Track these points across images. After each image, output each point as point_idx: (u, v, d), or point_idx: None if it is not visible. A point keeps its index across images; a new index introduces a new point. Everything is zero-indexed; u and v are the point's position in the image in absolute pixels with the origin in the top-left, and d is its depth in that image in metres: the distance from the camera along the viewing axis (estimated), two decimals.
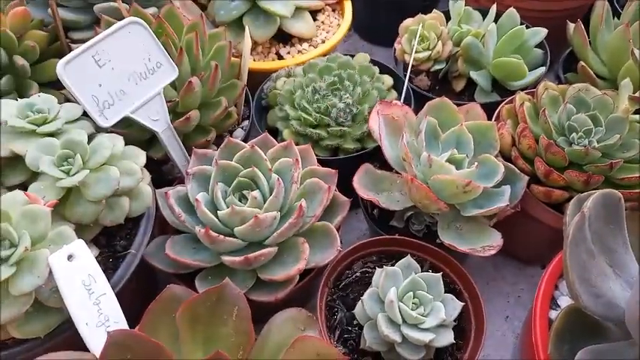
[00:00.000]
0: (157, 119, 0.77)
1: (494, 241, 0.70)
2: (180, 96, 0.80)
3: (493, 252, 0.68)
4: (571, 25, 0.94)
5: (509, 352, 0.85)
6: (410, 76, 1.03)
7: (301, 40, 1.07)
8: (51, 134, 0.70)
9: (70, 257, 0.60)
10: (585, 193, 0.63)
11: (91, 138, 0.71)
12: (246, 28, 0.87)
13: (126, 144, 0.74)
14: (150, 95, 0.76)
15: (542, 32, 0.97)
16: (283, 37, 1.07)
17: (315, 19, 1.11)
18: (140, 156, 0.73)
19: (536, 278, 0.93)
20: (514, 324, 0.87)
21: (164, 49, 0.77)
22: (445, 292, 0.69)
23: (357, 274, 0.76)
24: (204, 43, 0.85)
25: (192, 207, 0.70)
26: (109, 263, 0.70)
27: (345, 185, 0.78)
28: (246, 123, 0.94)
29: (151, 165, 0.84)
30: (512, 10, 0.98)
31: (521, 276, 0.93)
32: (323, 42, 1.08)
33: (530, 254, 0.91)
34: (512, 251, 0.92)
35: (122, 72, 0.74)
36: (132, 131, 0.80)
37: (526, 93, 0.85)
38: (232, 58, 0.93)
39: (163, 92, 0.79)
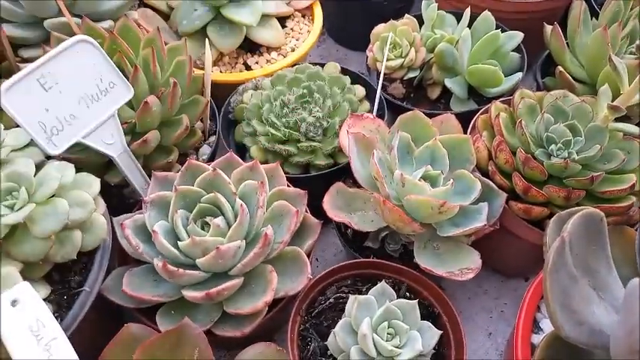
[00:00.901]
0: (111, 143, 0.72)
1: (472, 262, 0.66)
2: (137, 116, 0.75)
3: (471, 275, 0.64)
4: (548, 28, 0.91)
5: None
6: (384, 84, 0.99)
7: (270, 48, 1.02)
8: None
9: (14, 302, 0.56)
10: (566, 212, 0.60)
11: (40, 166, 0.66)
12: (207, 40, 0.82)
13: (81, 169, 0.69)
14: (103, 118, 0.71)
15: (518, 36, 0.93)
16: (251, 47, 1.02)
17: (283, 26, 1.06)
18: (93, 184, 0.68)
19: (519, 291, 0.90)
20: (497, 340, 0.84)
21: (117, 68, 0.72)
22: (423, 315, 0.65)
23: (331, 300, 0.72)
24: (163, 58, 0.80)
25: (150, 237, 0.66)
26: (63, 301, 0.66)
27: (317, 203, 0.74)
28: (213, 139, 0.89)
29: (111, 188, 0.80)
30: (486, 13, 0.94)
31: (504, 289, 0.89)
32: (293, 50, 1.03)
33: (512, 268, 0.88)
34: (493, 266, 0.88)
35: (71, 95, 0.69)
36: (86, 156, 0.75)
37: (502, 101, 0.81)
38: (196, 71, 0.88)
39: (119, 113, 0.74)
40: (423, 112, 0.79)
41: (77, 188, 0.66)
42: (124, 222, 0.67)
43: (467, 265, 0.66)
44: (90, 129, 0.70)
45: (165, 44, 0.82)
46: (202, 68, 0.90)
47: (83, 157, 0.75)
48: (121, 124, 0.74)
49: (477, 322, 0.86)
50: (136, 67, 0.74)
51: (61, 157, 0.70)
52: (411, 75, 0.94)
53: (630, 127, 0.74)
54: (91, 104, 0.71)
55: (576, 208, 0.61)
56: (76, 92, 0.69)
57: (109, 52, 0.77)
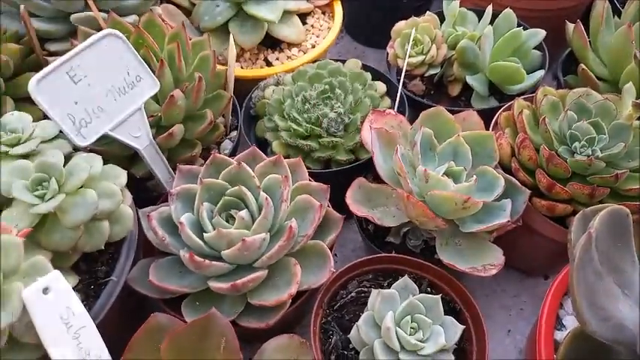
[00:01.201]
0: (138, 136, 0.73)
1: (495, 258, 0.66)
2: (163, 110, 0.76)
3: (494, 271, 0.65)
4: (570, 26, 0.91)
5: None
6: (404, 81, 0.99)
7: (290, 45, 1.03)
8: (25, 156, 0.66)
9: (45, 290, 0.56)
10: (590, 209, 0.60)
11: (68, 158, 0.67)
12: (231, 36, 0.83)
13: (106, 162, 0.70)
14: (130, 111, 0.72)
15: (540, 34, 0.93)
16: (271, 43, 1.03)
17: (304, 23, 1.07)
18: (121, 176, 0.69)
19: (538, 289, 0.90)
20: (516, 338, 0.84)
21: (143, 62, 0.73)
22: (445, 311, 0.65)
23: (353, 294, 0.72)
24: (187, 52, 0.81)
25: (176, 228, 0.67)
26: (90, 291, 0.67)
27: (338, 199, 0.74)
28: (234, 134, 0.90)
29: (135, 181, 0.81)
30: (508, 10, 0.94)
31: (523, 288, 0.89)
32: (313, 47, 1.04)
33: (532, 266, 0.88)
34: (513, 263, 0.88)
35: (99, 88, 0.70)
36: (113, 148, 0.76)
37: (524, 98, 0.81)
38: (218, 67, 0.89)
39: (145, 107, 0.75)
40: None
41: (105, 179, 0.67)
42: (151, 213, 0.68)
43: (489, 261, 0.66)
44: (117, 121, 0.71)
45: (189, 39, 0.83)
46: (224, 64, 0.91)
47: (110, 150, 0.76)
48: (147, 118, 0.75)
49: (495, 319, 0.86)
50: (162, 61, 0.75)
51: (89, 149, 0.71)
52: (431, 72, 0.94)
53: None
54: (118, 97, 0.71)
55: (601, 205, 0.61)
56: (104, 85, 0.70)
57: (135, 46, 0.77)
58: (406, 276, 0.68)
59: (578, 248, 0.54)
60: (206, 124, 0.78)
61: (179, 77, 0.80)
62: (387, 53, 0.97)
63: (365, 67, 0.93)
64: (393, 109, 0.87)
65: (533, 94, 0.80)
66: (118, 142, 0.73)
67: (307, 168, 0.78)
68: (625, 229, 0.60)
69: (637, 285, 0.60)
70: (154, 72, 0.75)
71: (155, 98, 0.78)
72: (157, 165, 0.76)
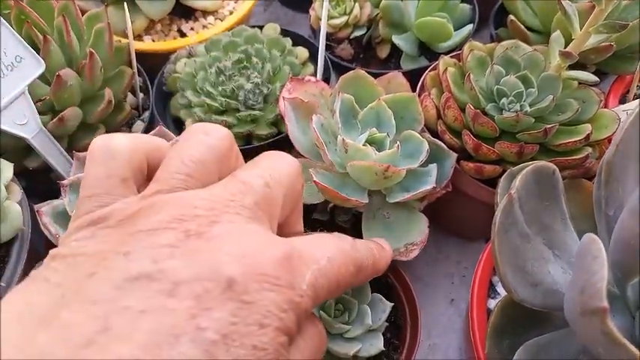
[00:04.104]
0: (24, 123, 0.65)
1: (419, 233, 0.62)
2: (52, 92, 0.68)
3: (416, 252, 0.60)
4: None
5: (456, 337, 0.79)
6: (331, 46, 0.93)
7: (205, 13, 0.95)
8: None
9: None
10: (517, 167, 0.57)
11: None
12: (124, 4, 0.74)
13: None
14: (11, 96, 0.64)
15: None
16: (184, 12, 0.94)
17: None
18: (5, 170, 0.62)
19: (480, 255, 0.87)
20: (460, 306, 0.82)
21: (23, 40, 0.64)
22: (378, 286, 0.61)
23: None
24: (79, 27, 0.73)
25: None
26: None
27: None
28: (147, 114, 0.83)
29: (37, 174, 0.73)
30: None
31: (465, 253, 0.86)
32: (231, 13, 0.96)
33: (471, 231, 0.85)
34: (452, 229, 0.85)
35: None
36: (4, 140, 0.68)
37: (452, 56, 0.76)
38: (123, 41, 0.81)
39: (32, 90, 0.67)
40: (372, 73, 0.73)
41: None
42: (41, 209, 0.60)
43: (413, 239, 0.62)
44: None
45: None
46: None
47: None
48: (35, 103, 0.67)
49: (438, 288, 0.83)
50: (45, 38, 0.66)
51: None
52: (357, 33, 0.88)
53: (584, 75, 0.70)
54: None
55: (528, 163, 0.57)
56: None
57: (17, 23, 0.69)
58: None
59: (498, 211, 0.50)
60: (104, 105, 0.70)
61: (72, 55, 0.71)
62: (310, 16, 0.90)
63: (285, 33, 0.87)
64: (317, 75, 0.81)
65: (461, 51, 0.75)
66: (5, 132, 0.65)
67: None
68: (553, 186, 0.57)
69: (568, 244, 0.57)
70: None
71: (46, 80, 0.70)
72: (52, 154, 0.68)
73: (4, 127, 0.64)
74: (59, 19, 0.70)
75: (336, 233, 0.33)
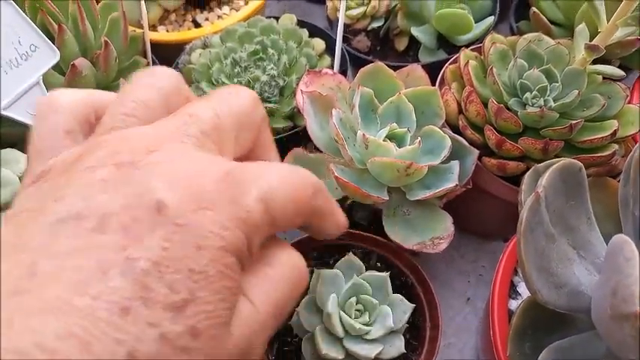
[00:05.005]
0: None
1: (444, 229, 0.61)
2: (66, 82, 0.66)
3: (444, 245, 0.59)
4: None
5: (472, 337, 0.78)
6: (348, 37, 0.92)
7: (221, 3, 0.93)
8: None
9: None
10: (542, 164, 0.55)
11: None
12: None
13: (9, 145, 0.62)
14: (25, 86, 0.63)
15: None
16: (199, 1, 0.93)
17: None
18: (20, 160, 0.61)
19: (497, 254, 0.84)
20: (477, 306, 0.80)
21: (37, 28, 0.63)
22: (397, 286, 0.60)
23: None
24: (94, 16, 0.71)
25: None
26: None
27: None
28: None
29: None
30: None
31: (482, 252, 0.85)
32: (246, 3, 0.94)
33: (489, 229, 0.84)
34: (469, 227, 0.83)
35: None
36: (16, 130, 0.67)
37: (472, 49, 0.74)
38: (137, 31, 0.80)
39: (47, 80, 0.65)
40: (390, 65, 0.71)
41: (1, 166, 0.59)
42: None
43: (439, 233, 0.60)
44: (11, 99, 0.62)
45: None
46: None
47: (13, 132, 0.66)
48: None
49: (454, 287, 0.82)
50: (60, 26, 0.65)
51: None
52: (375, 25, 0.86)
53: (610, 69, 0.68)
54: (9, 70, 0.62)
55: (553, 160, 0.55)
56: None
57: (32, 11, 0.68)
58: (350, 253, 0.62)
59: (525, 210, 0.49)
60: None
61: (87, 45, 0.70)
62: (327, 7, 0.88)
63: (302, 24, 0.85)
64: (334, 68, 0.80)
65: (482, 44, 0.74)
66: (16, 122, 0.64)
67: None
68: (579, 184, 0.55)
69: (593, 244, 0.56)
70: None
71: (60, 70, 0.68)
72: None
73: (18, 117, 0.63)
74: (74, 8, 0.68)
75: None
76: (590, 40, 0.67)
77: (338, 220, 0.32)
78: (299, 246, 0.66)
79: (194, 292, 0.20)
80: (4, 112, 0.62)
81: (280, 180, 0.25)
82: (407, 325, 0.59)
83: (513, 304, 0.61)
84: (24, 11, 0.65)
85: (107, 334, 0.18)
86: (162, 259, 0.20)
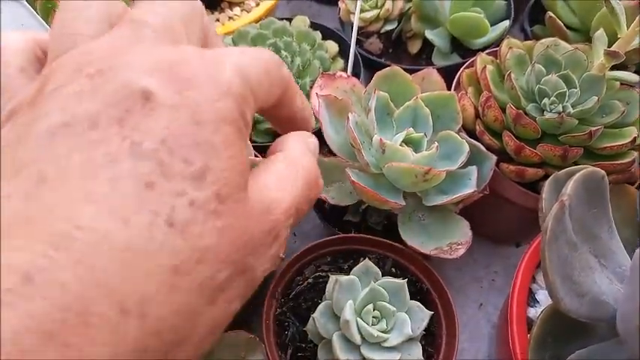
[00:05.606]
0: None
1: (462, 235, 0.60)
2: None
3: (462, 251, 0.58)
4: None
5: (484, 343, 0.77)
6: (359, 40, 0.91)
7: (232, 4, 0.93)
8: None
9: None
10: (563, 171, 0.54)
11: None
12: None
13: None
14: None
15: None
16: (210, 2, 0.92)
17: None
18: None
19: (510, 259, 0.85)
20: (489, 311, 0.80)
21: (44, 22, 0.63)
22: (411, 292, 0.59)
23: (310, 280, 0.65)
24: None
25: None
26: None
27: None
28: None
29: None
30: None
31: (495, 257, 0.84)
32: (257, 5, 0.93)
33: (503, 235, 0.83)
34: (482, 232, 0.83)
35: None
36: None
37: (488, 53, 0.74)
38: None
39: None
40: (403, 68, 0.71)
41: None
42: None
43: (456, 238, 0.60)
44: None
45: None
46: None
47: None
48: None
49: (466, 292, 0.81)
50: None
51: None
52: (388, 27, 0.86)
53: (628, 75, 0.67)
54: None
55: (574, 167, 0.54)
56: None
57: (43, 12, 0.67)
58: (367, 259, 0.61)
59: (550, 219, 0.48)
60: None
61: None
62: (339, 9, 0.88)
63: (314, 26, 0.84)
64: (347, 70, 0.79)
65: (498, 48, 0.73)
66: None
67: (253, 142, 0.70)
68: (601, 192, 0.54)
69: (615, 253, 0.55)
70: None
71: None
72: None
73: None
74: None
75: None
76: (608, 46, 0.66)
77: (303, 98, 0.32)
78: (309, 252, 0.66)
79: (207, 162, 0.20)
80: None
81: (250, 56, 0.25)
82: (424, 333, 0.59)
83: (531, 312, 0.60)
84: (35, 11, 0.65)
85: (140, 207, 0.19)
86: (167, 137, 0.20)
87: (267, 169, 0.26)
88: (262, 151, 0.69)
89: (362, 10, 0.83)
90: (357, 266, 0.60)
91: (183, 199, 0.19)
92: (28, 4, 0.62)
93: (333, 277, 0.59)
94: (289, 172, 0.27)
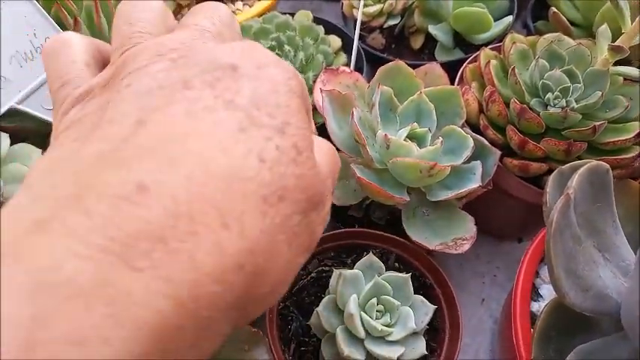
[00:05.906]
0: (52, 108, 0.63)
1: (466, 230, 0.60)
2: None
3: (467, 246, 0.58)
4: None
5: (487, 338, 0.77)
6: (362, 35, 0.91)
7: None
8: None
9: None
10: (568, 166, 0.54)
11: None
12: None
13: (22, 140, 0.61)
14: (41, 79, 0.62)
15: None
16: None
17: None
18: (33, 156, 0.60)
19: (512, 254, 0.85)
20: (491, 307, 0.80)
21: (52, 21, 0.62)
22: (415, 288, 0.59)
23: (313, 274, 0.65)
24: (109, 9, 0.70)
25: None
26: None
27: None
28: None
29: None
30: None
31: (496, 253, 0.84)
32: None
33: (505, 229, 0.83)
34: (484, 227, 0.82)
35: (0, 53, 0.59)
36: (28, 124, 0.66)
37: (492, 48, 0.74)
38: None
39: None
40: (407, 64, 0.71)
41: (14, 161, 0.58)
42: None
43: (461, 233, 0.60)
44: (26, 92, 0.61)
45: None
46: None
47: (25, 126, 0.65)
48: None
49: (469, 288, 0.81)
50: (76, 19, 0.64)
51: None
52: (391, 22, 0.85)
53: (631, 70, 0.67)
54: (24, 63, 0.61)
55: (578, 162, 0.54)
56: (6, 50, 0.59)
57: (46, 4, 0.67)
58: (371, 253, 0.61)
59: (555, 212, 0.48)
60: None
61: (101, 38, 0.69)
62: (342, 3, 0.87)
63: (317, 20, 0.84)
64: (350, 65, 0.79)
65: (501, 43, 0.73)
66: (30, 116, 0.62)
67: None
68: (605, 186, 0.54)
69: (618, 247, 0.55)
70: None
71: None
72: None
73: (33, 111, 0.62)
74: (89, 2, 0.67)
75: None
76: (612, 42, 0.66)
77: None
78: (316, 245, 0.66)
79: (286, 119, 0.23)
80: (19, 106, 0.61)
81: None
82: (427, 327, 0.59)
83: (534, 306, 0.60)
84: (39, 3, 0.64)
85: (237, 142, 0.21)
86: (253, 97, 0.23)
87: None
88: None
89: (365, 6, 0.82)
90: (361, 260, 0.60)
91: (270, 142, 0.22)
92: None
93: (337, 271, 0.59)
94: (328, 148, 0.29)
